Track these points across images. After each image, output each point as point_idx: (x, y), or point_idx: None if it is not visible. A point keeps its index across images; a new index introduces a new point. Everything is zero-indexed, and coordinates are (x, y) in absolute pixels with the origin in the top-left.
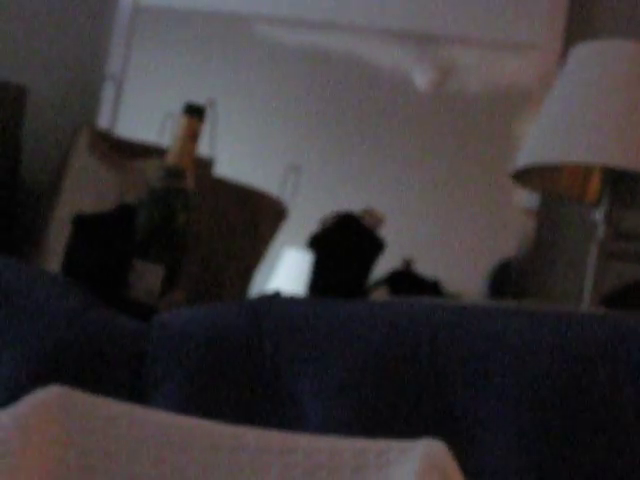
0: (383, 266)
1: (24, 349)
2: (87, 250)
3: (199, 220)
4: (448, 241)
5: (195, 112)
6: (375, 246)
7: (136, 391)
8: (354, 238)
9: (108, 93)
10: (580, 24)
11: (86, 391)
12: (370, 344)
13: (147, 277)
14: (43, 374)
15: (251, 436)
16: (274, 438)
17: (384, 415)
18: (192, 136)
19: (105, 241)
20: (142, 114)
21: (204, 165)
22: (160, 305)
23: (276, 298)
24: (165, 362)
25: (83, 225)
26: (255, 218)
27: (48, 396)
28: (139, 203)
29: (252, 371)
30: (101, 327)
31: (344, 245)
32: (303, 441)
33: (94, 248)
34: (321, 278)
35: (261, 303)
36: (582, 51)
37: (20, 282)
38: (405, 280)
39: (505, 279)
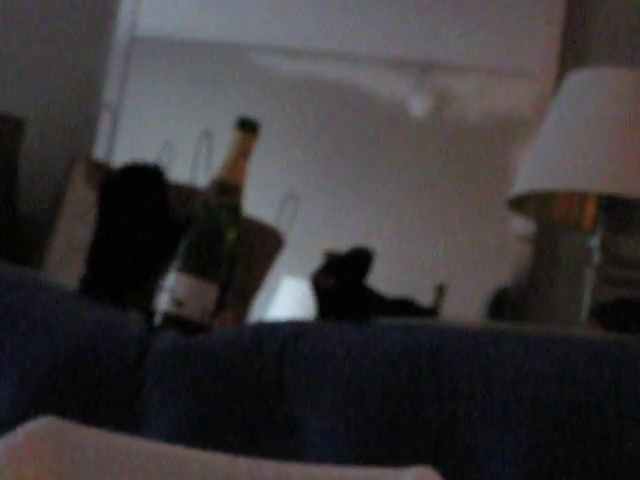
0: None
1: (24, 366)
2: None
3: None
4: (444, 269)
5: (249, 128)
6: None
7: (135, 408)
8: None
9: (105, 123)
10: (574, 51)
11: (84, 408)
12: (373, 372)
13: (201, 296)
14: (43, 389)
15: (245, 466)
16: (267, 468)
17: (386, 444)
18: (245, 153)
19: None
20: (139, 144)
21: (200, 194)
22: (213, 324)
23: (280, 323)
24: (165, 382)
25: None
26: (252, 248)
27: (41, 427)
28: (192, 217)
29: (254, 396)
30: (101, 339)
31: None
32: (297, 471)
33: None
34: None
35: (265, 329)
36: (576, 78)
37: (24, 298)
38: (404, 309)
39: (502, 307)
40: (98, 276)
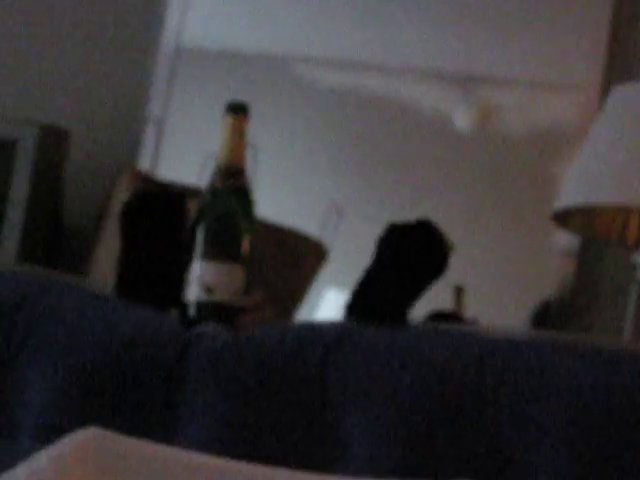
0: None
1: (63, 369)
2: (140, 264)
3: None
4: (488, 283)
5: (239, 110)
6: (441, 266)
7: (174, 410)
8: (428, 246)
9: (149, 135)
10: (620, 65)
11: (123, 410)
12: (417, 381)
13: (229, 278)
14: (82, 392)
15: (284, 478)
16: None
17: (429, 454)
18: (241, 134)
19: (156, 248)
20: (183, 156)
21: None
22: (246, 305)
23: (324, 326)
24: (204, 385)
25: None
26: (296, 259)
27: (85, 438)
28: (201, 206)
29: (296, 402)
30: (140, 341)
31: (414, 250)
32: None
33: (147, 259)
34: (377, 278)
35: (308, 332)
36: (621, 92)
37: (63, 301)
38: (446, 321)
39: (545, 320)
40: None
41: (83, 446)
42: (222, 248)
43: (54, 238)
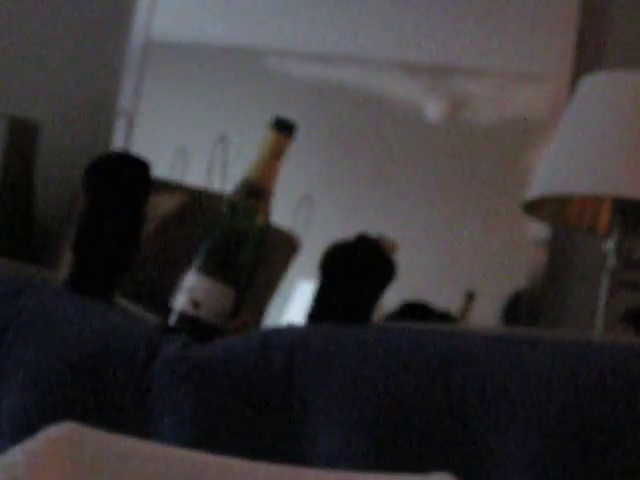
0: (389, 298)
1: (34, 370)
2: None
3: None
4: (459, 273)
5: (284, 128)
6: (390, 272)
7: (142, 414)
8: (370, 259)
9: (120, 128)
10: (589, 55)
11: (92, 413)
12: (384, 378)
13: (219, 299)
14: (52, 394)
15: (261, 471)
16: (284, 473)
17: (400, 449)
18: (278, 154)
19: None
20: (154, 149)
21: (215, 199)
22: (229, 327)
23: (289, 328)
24: (172, 388)
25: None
26: (267, 252)
27: (60, 432)
28: (216, 218)
29: (263, 403)
30: (111, 344)
31: (359, 265)
32: (313, 476)
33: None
34: (329, 299)
35: (273, 334)
36: (591, 82)
37: (34, 302)
38: (417, 312)
39: (517, 310)
40: (84, 261)
41: (58, 440)
42: (222, 267)
43: (24, 231)
